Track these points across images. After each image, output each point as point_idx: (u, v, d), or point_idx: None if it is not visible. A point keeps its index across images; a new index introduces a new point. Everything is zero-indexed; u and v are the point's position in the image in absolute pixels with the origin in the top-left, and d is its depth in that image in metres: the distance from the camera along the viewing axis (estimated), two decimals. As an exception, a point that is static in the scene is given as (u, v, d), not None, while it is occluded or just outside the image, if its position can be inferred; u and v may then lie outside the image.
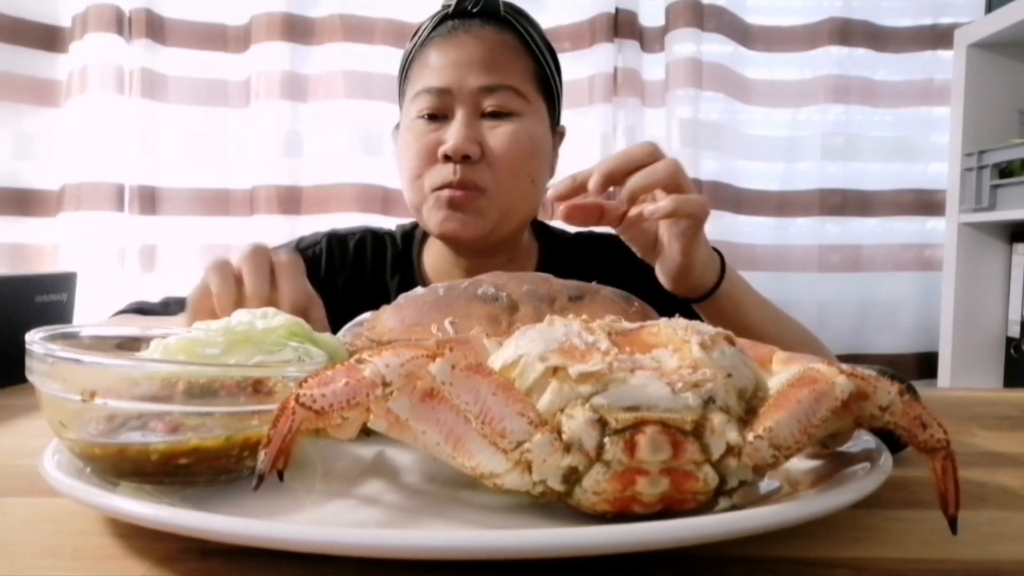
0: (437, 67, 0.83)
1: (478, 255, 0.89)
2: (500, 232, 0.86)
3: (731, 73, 1.70)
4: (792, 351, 0.37)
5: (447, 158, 0.81)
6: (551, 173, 0.91)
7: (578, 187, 0.65)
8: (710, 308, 0.72)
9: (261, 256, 0.60)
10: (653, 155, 0.64)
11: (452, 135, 0.81)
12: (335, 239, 0.95)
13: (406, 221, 1.01)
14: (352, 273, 0.93)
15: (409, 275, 0.93)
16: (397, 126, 0.93)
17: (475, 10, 0.85)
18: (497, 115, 0.83)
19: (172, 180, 1.64)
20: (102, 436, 0.34)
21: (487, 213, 0.83)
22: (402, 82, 0.91)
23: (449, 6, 0.86)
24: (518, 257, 0.93)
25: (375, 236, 0.96)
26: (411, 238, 0.96)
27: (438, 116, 0.83)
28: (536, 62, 0.87)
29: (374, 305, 0.90)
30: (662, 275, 0.71)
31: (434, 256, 0.93)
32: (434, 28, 0.86)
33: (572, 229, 1.01)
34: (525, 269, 0.91)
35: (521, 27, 0.87)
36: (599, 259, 0.95)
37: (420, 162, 0.83)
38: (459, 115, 0.82)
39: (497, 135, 0.82)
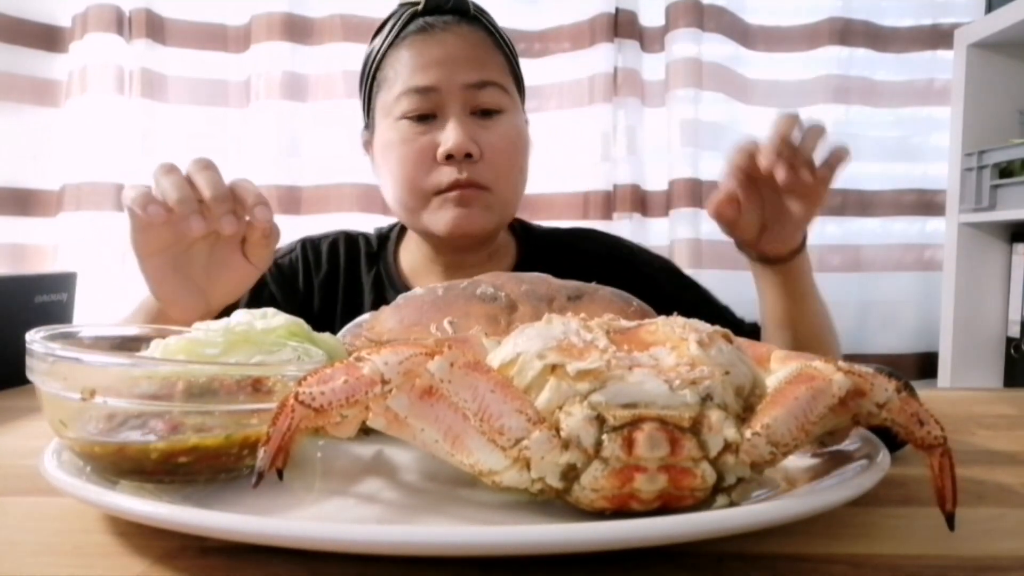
0: (419, 65, 0.81)
1: (458, 252, 0.88)
2: (500, 225, 0.87)
3: (731, 73, 1.70)
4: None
5: (449, 158, 0.80)
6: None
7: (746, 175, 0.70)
8: (796, 268, 0.78)
9: (209, 161, 0.63)
10: (799, 123, 0.68)
11: (452, 135, 0.79)
12: (308, 243, 0.95)
13: (384, 224, 1.00)
14: (327, 272, 0.93)
15: (384, 272, 0.92)
16: (366, 127, 0.90)
17: (448, 7, 0.84)
18: (487, 112, 0.82)
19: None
20: (102, 435, 0.35)
21: (493, 208, 0.83)
22: (369, 84, 0.88)
23: (418, 3, 0.84)
24: (496, 253, 0.92)
25: (348, 237, 0.96)
26: (387, 238, 0.95)
27: (426, 116, 0.81)
28: (506, 57, 0.86)
29: (349, 301, 0.91)
30: (789, 229, 0.73)
31: (411, 254, 0.93)
32: (404, 27, 0.84)
33: (546, 223, 1.01)
34: (503, 265, 0.90)
35: (488, 23, 0.86)
36: (576, 252, 0.94)
37: (416, 165, 0.81)
38: (453, 114, 0.80)
39: (491, 133, 0.82)
